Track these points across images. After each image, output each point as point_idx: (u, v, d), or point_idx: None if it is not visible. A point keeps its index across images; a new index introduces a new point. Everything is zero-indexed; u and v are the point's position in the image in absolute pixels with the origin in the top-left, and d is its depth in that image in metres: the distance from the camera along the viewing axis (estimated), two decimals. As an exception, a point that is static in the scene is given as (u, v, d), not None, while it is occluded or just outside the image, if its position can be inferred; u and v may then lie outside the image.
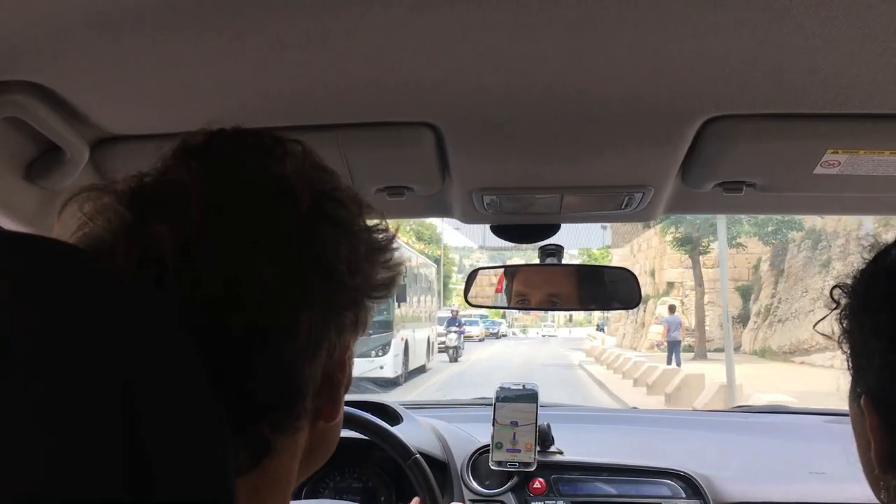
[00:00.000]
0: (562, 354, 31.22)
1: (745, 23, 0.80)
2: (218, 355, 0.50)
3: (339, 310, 0.60)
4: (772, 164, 1.17)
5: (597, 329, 58.42)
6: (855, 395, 0.67)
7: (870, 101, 1.00)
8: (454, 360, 24.34)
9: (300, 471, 0.64)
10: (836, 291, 0.68)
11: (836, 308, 0.68)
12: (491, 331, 49.47)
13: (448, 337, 24.95)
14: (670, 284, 31.38)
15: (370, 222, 0.63)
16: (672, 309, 23.12)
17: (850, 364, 0.67)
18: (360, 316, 0.63)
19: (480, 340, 36.85)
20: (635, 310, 27.21)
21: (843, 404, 0.73)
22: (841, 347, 0.68)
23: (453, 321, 26.21)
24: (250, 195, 0.56)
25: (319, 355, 0.58)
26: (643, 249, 35.92)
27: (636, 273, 1.78)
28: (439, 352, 24.28)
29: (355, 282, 0.60)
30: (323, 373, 0.59)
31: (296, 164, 0.60)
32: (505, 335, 55.74)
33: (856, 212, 1.94)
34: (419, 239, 42.67)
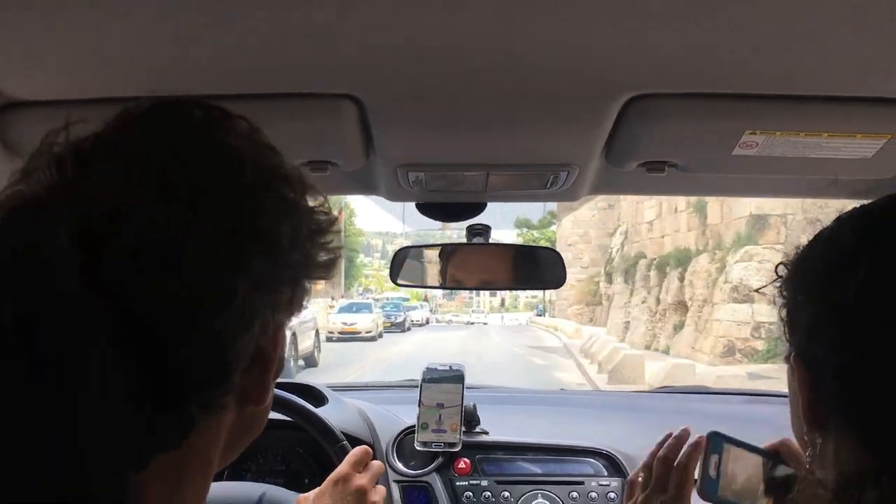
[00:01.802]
0: (522, 356, 21.77)
1: (666, 2, 0.80)
2: (148, 323, 0.49)
3: (277, 285, 0.58)
4: (692, 145, 1.19)
5: (536, 314, 55.28)
6: (787, 355, 0.74)
7: (787, 83, 1.02)
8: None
9: (224, 452, 0.62)
10: (780, 267, 0.75)
11: (776, 280, 0.75)
12: (392, 320, 34.69)
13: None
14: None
15: (312, 203, 0.62)
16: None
17: (785, 328, 0.73)
18: (296, 294, 0.62)
19: (369, 334, 27.15)
20: (645, 280, 23.69)
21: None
22: (780, 315, 0.74)
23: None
24: (195, 161, 0.55)
25: (252, 330, 0.56)
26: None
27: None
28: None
29: (295, 259, 0.60)
30: (255, 349, 0.58)
31: (242, 138, 0.58)
32: (422, 323, 44.34)
33: (773, 194, 1.99)
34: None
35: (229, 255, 0.53)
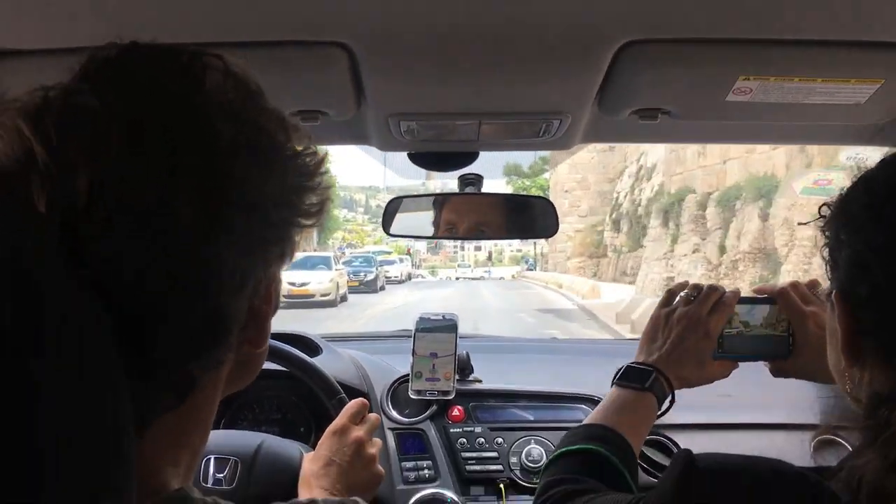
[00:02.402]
0: (535, 327, 16.50)
1: None
2: (137, 299, 0.48)
3: (265, 245, 0.58)
4: (686, 91, 1.18)
5: (527, 269, 53.39)
6: (828, 295, 0.77)
7: (780, 27, 1.01)
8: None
9: (224, 391, 0.63)
10: (824, 208, 0.77)
11: (820, 218, 0.78)
12: (361, 278, 29.54)
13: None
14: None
15: (298, 146, 0.60)
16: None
17: (827, 268, 0.76)
18: (286, 247, 0.61)
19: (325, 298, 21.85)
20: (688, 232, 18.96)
21: None
22: (821, 255, 0.78)
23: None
24: (170, 124, 0.52)
25: (245, 291, 0.56)
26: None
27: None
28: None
29: (282, 215, 0.58)
30: (249, 307, 0.58)
31: (217, 82, 0.55)
32: (401, 280, 41.27)
33: (768, 140, 1.99)
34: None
35: (214, 221, 0.51)
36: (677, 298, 1.26)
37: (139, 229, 0.49)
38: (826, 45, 1.04)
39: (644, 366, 1.20)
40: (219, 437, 1.55)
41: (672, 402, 1.20)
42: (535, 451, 1.74)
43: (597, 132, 1.45)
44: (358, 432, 1.26)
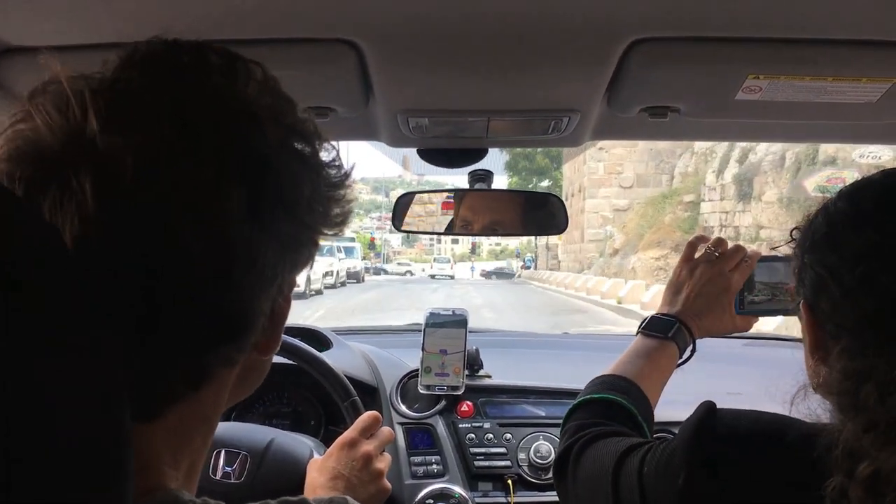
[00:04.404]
0: None
1: None
2: (172, 284, 0.49)
3: (297, 247, 0.59)
4: (695, 89, 1.18)
5: (524, 266, 47.99)
6: (797, 303, 0.85)
7: (790, 26, 1.00)
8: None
9: (230, 399, 0.64)
10: (795, 231, 0.87)
11: (791, 241, 0.87)
12: None
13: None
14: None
15: (326, 157, 0.62)
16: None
17: (797, 281, 0.85)
18: (312, 252, 0.62)
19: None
20: None
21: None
22: (793, 271, 0.87)
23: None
24: (220, 116, 0.53)
25: (272, 291, 0.57)
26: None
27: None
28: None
29: (313, 219, 0.60)
30: (271, 307, 0.59)
31: (258, 88, 0.57)
32: (337, 284, 28.12)
33: (778, 139, 1.98)
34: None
35: (255, 218, 0.52)
36: (699, 251, 1.31)
37: (187, 211, 0.49)
38: (836, 44, 1.04)
39: (668, 316, 1.26)
40: (230, 429, 1.56)
41: (693, 350, 1.26)
42: (544, 447, 1.74)
43: (606, 129, 1.44)
44: (367, 447, 1.26)
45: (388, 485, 1.27)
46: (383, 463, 1.28)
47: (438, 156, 1.54)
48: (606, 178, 26.63)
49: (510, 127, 1.42)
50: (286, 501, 0.59)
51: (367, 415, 1.33)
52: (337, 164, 0.62)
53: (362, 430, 1.28)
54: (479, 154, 1.56)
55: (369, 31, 1.03)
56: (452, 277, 44.34)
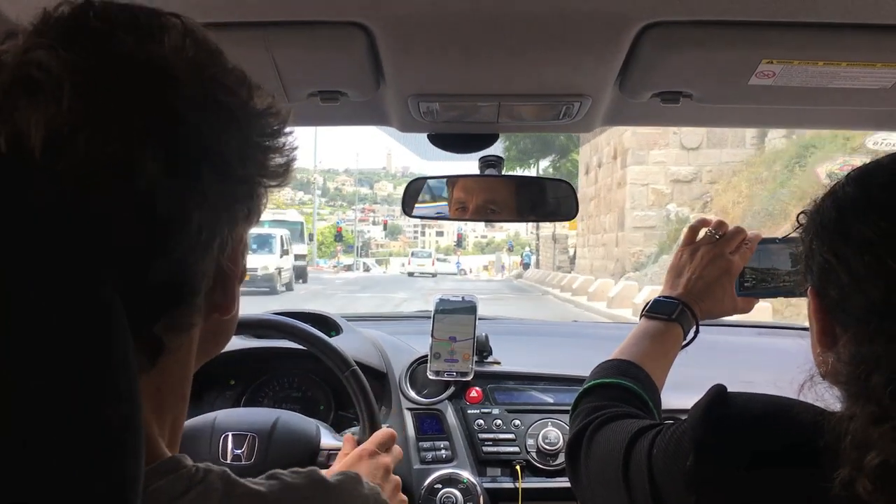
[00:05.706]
0: None
1: None
2: (103, 256, 0.47)
3: (231, 203, 0.57)
4: (708, 74, 1.17)
5: (522, 264, 41.32)
6: (805, 288, 0.85)
7: (804, 10, 0.99)
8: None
9: (197, 360, 0.63)
10: (802, 216, 0.85)
11: (798, 227, 0.86)
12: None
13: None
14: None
15: (261, 105, 0.59)
16: None
17: (805, 267, 0.84)
18: (252, 207, 0.61)
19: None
20: None
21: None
22: (800, 257, 0.86)
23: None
24: (128, 80, 0.51)
25: (211, 251, 0.56)
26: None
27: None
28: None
29: (247, 172, 0.58)
30: (216, 268, 0.58)
31: (176, 41, 0.55)
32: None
33: (791, 125, 1.96)
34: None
35: (178, 175, 0.51)
36: (700, 235, 1.33)
37: (101, 183, 0.48)
38: (851, 28, 1.02)
39: (671, 298, 1.27)
40: (236, 415, 1.57)
41: (697, 332, 1.26)
42: (552, 433, 1.74)
43: (618, 115, 1.43)
44: (386, 458, 1.29)
45: (405, 498, 1.30)
46: (398, 477, 1.31)
47: (449, 141, 1.54)
48: (662, 135, 18.35)
49: (521, 112, 1.41)
50: (296, 472, 0.60)
51: (384, 431, 1.35)
52: (273, 111, 0.60)
53: (379, 445, 1.31)
54: (490, 139, 1.56)
55: (380, 14, 1.03)
56: (434, 276, 38.86)
